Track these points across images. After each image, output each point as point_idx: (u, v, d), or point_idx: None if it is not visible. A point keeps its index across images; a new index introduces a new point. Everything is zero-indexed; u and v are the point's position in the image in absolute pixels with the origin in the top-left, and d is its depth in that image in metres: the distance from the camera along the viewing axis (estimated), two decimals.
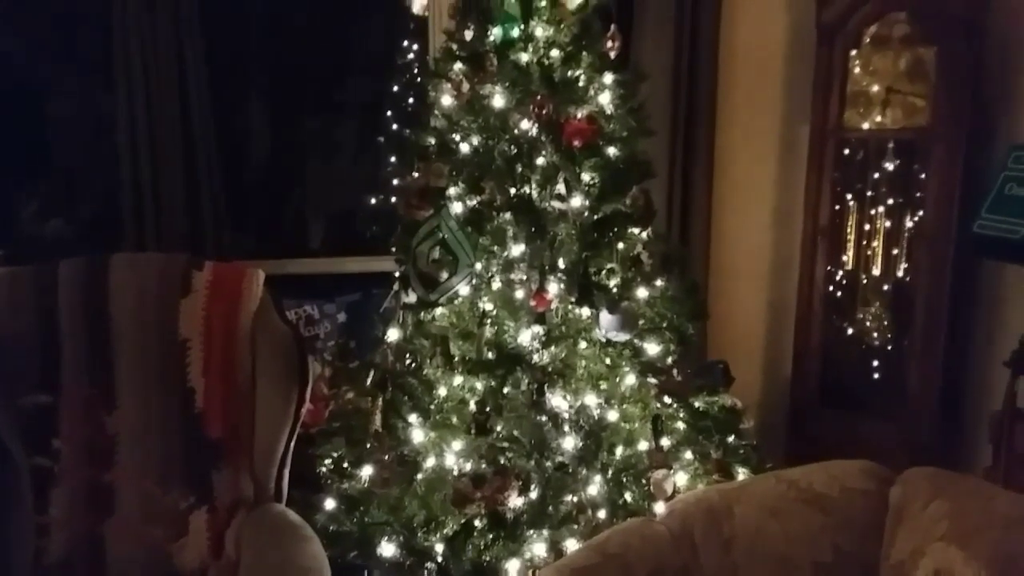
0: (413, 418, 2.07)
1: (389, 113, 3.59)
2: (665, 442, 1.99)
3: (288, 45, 3.41)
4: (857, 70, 2.67)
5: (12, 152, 2.96)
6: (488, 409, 1.98)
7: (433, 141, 2.20)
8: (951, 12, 2.45)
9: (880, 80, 2.64)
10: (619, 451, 2.03)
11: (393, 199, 3.44)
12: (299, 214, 3.63)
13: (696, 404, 2.09)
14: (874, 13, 2.59)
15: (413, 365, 2.13)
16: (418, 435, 2.07)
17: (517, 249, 2.09)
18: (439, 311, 2.14)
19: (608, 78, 2.15)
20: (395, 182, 3.44)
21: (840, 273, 2.85)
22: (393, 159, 3.48)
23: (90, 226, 3.22)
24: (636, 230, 2.12)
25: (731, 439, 2.08)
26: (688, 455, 2.05)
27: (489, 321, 2.08)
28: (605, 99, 2.15)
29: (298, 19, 3.38)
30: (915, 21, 2.55)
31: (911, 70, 2.56)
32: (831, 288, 2.85)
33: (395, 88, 3.57)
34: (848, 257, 2.84)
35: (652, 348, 2.09)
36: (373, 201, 3.54)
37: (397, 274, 2.24)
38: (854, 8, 2.59)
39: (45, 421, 2.01)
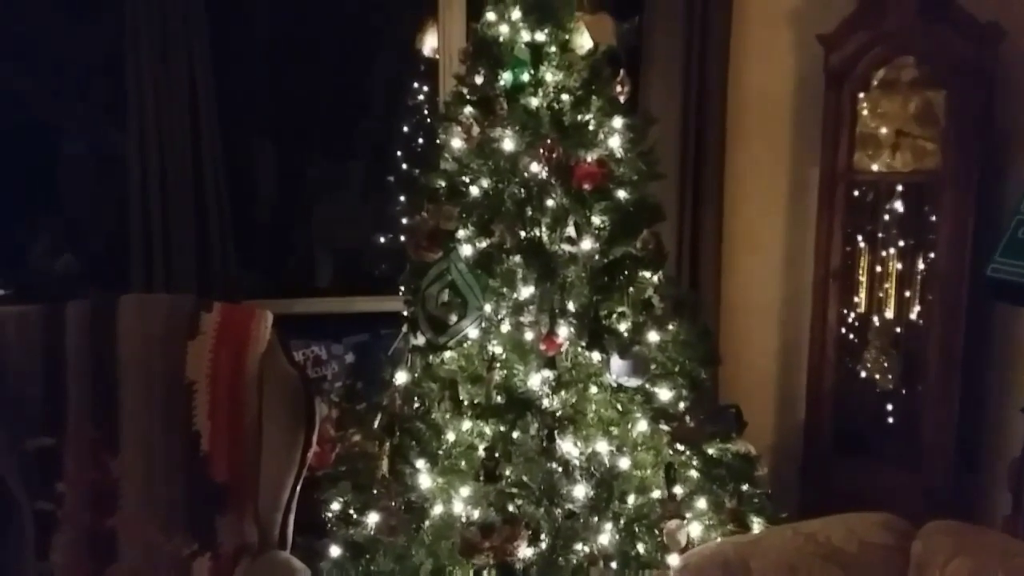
0: (421, 463, 2.04)
1: (399, 153, 3.61)
2: (678, 491, 1.96)
3: (300, 84, 3.45)
4: (866, 112, 2.67)
5: (24, 189, 2.98)
6: (497, 455, 1.95)
7: (443, 184, 2.21)
8: (959, 56, 2.46)
9: (889, 123, 2.64)
10: (631, 500, 1.99)
11: (402, 238, 3.46)
12: (308, 253, 3.64)
13: (709, 451, 2.06)
14: (882, 57, 2.60)
15: (421, 409, 2.10)
16: (426, 481, 2.04)
17: (527, 291, 2.08)
18: (448, 354, 2.12)
19: (618, 122, 2.16)
20: (404, 221, 3.45)
21: (852, 315, 2.82)
22: (403, 198, 3.49)
23: (99, 263, 3.22)
24: (647, 273, 2.10)
25: (745, 487, 2.04)
26: (702, 504, 2.01)
27: (498, 365, 2.06)
28: (615, 143, 2.15)
29: (310, 59, 3.42)
30: (923, 65, 2.56)
31: (920, 114, 2.57)
32: (844, 331, 2.82)
33: (405, 128, 3.60)
34: (860, 299, 2.81)
35: (664, 393, 2.06)
36: (382, 240, 3.54)
37: (406, 313, 2.23)
38: (862, 53, 2.60)
39: (49, 464, 1.99)
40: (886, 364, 2.80)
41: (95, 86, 3.14)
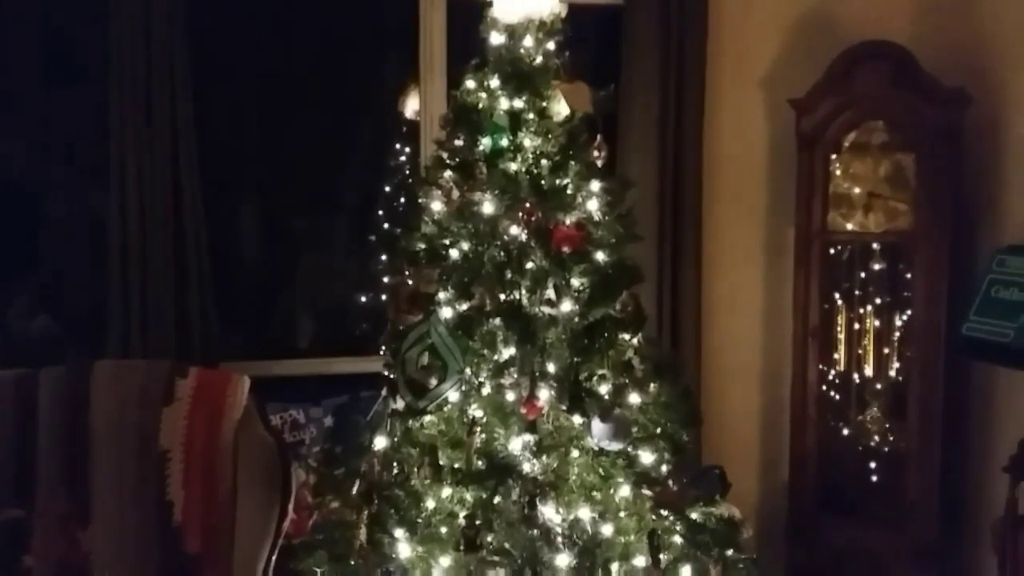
0: (400, 532, 2.00)
1: (381, 212, 3.64)
2: (663, 558, 1.92)
3: (283, 144, 3.48)
4: (839, 173, 2.73)
5: (1, 250, 2.97)
6: (478, 522, 1.91)
7: (423, 247, 2.21)
8: (928, 121, 2.53)
9: (861, 184, 2.71)
10: (615, 568, 1.96)
11: (384, 297, 3.46)
12: (289, 312, 3.62)
13: (693, 515, 2.03)
14: (852, 122, 2.67)
15: (400, 476, 2.07)
16: (405, 550, 1.99)
17: (507, 353, 2.07)
18: (427, 418, 2.10)
19: (595, 186, 2.18)
20: (386, 280, 3.46)
21: (833, 373, 2.84)
22: (384, 258, 3.50)
23: (77, 323, 3.19)
24: (626, 335, 2.10)
25: (730, 552, 2.01)
26: (687, 572, 1.98)
27: (479, 429, 2.03)
28: (593, 206, 2.17)
29: (293, 118, 3.46)
30: (893, 129, 2.63)
31: (891, 176, 2.63)
32: (825, 388, 2.83)
33: (387, 188, 3.63)
34: (840, 356, 2.83)
35: (646, 457, 2.04)
36: (364, 300, 3.54)
37: (386, 372, 2.21)
38: (832, 117, 2.67)
39: (17, 537, 1.94)
40: (868, 422, 2.80)
41: (77, 147, 3.16)
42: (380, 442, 2.13)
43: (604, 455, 2.01)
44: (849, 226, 2.73)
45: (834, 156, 2.73)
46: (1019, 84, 2.57)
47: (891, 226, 2.66)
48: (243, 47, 3.34)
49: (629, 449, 2.02)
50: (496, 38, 2.18)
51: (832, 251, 2.80)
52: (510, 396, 2.06)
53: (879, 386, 2.77)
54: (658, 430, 2.07)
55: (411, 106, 3.29)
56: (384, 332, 2.28)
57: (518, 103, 2.15)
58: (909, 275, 2.66)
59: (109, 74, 2.51)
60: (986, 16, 2.68)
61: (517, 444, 2.00)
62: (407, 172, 3.50)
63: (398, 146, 3.58)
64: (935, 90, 2.53)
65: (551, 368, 2.05)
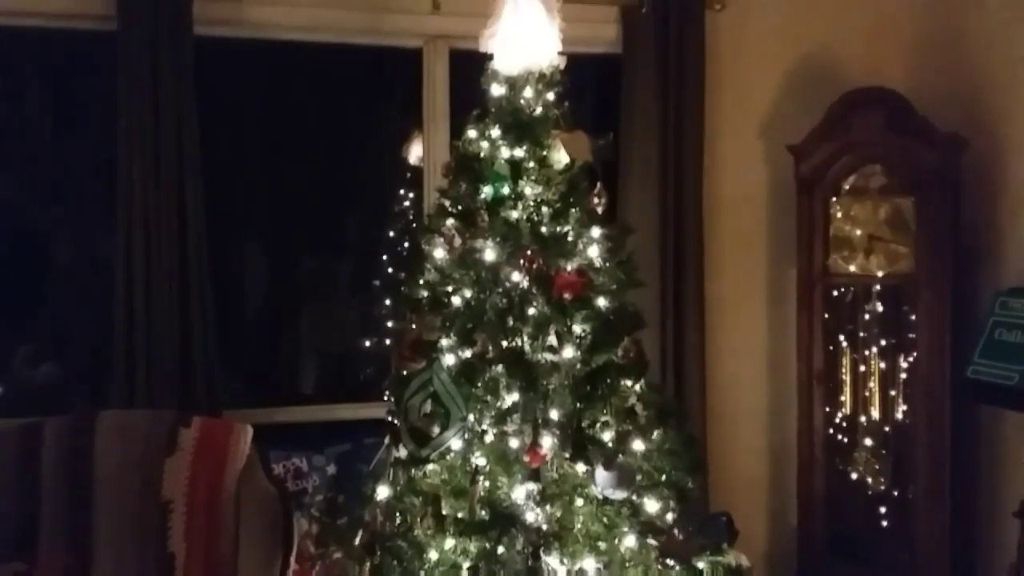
0: None
1: (385, 257, 3.66)
2: None
3: (288, 189, 3.52)
4: (839, 215, 2.75)
5: (5, 296, 2.98)
6: (481, 574, 1.89)
7: (426, 294, 2.23)
8: (925, 165, 2.56)
9: (861, 226, 2.72)
10: None
11: (388, 341, 3.46)
12: (294, 357, 3.63)
13: (700, 565, 2.00)
14: (850, 166, 2.70)
15: (403, 526, 2.05)
16: None
17: (510, 400, 2.07)
18: (430, 467, 2.09)
19: (596, 232, 2.20)
20: (390, 325, 3.46)
21: (839, 416, 2.82)
22: (388, 302, 3.52)
23: (82, 370, 3.19)
24: (629, 382, 2.10)
25: None
26: None
27: (482, 477, 2.02)
28: (594, 252, 2.19)
29: (299, 164, 3.51)
30: (890, 173, 2.66)
31: (891, 219, 2.64)
32: (831, 431, 2.81)
33: (391, 233, 3.67)
34: (846, 399, 2.81)
35: (651, 505, 2.02)
36: (368, 344, 3.54)
37: (389, 418, 2.21)
38: (831, 162, 2.70)
39: None
40: (876, 465, 2.78)
41: (83, 193, 3.19)
42: (383, 491, 2.11)
43: (608, 504, 1.99)
44: (851, 268, 2.74)
45: (834, 199, 2.75)
46: (1015, 128, 2.60)
47: (893, 269, 2.66)
48: (250, 93, 3.40)
49: (634, 497, 2.01)
50: (497, 89, 2.22)
51: (835, 293, 2.80)
52: (513, 443, 2.05)
53: (886, 429, 2.75)
54: (663, 477, 2.06)
55: (415, 152, 3.32)
56: (388, 377, 2.28)
57: (519, 152, 2.18)
58: (913, 317, 2.65)
59: (117, 120, 2.55)
60: (980, 61, 2.73)
61: (521, 493, 1.98)
62: (411, 217, 3.52)
63: (402, 192, 3.61)
64: (931, 135, 2.56)
65: (554, 415, 2.05)
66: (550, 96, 2.20)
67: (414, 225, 3.42)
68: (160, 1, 2.51)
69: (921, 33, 2.98)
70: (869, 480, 2.76)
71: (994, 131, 2.65)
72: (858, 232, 2.73)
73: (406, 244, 3.55)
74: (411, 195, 3.54)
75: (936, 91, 2.82)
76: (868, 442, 2.76)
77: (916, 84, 2.85)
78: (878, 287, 2.73)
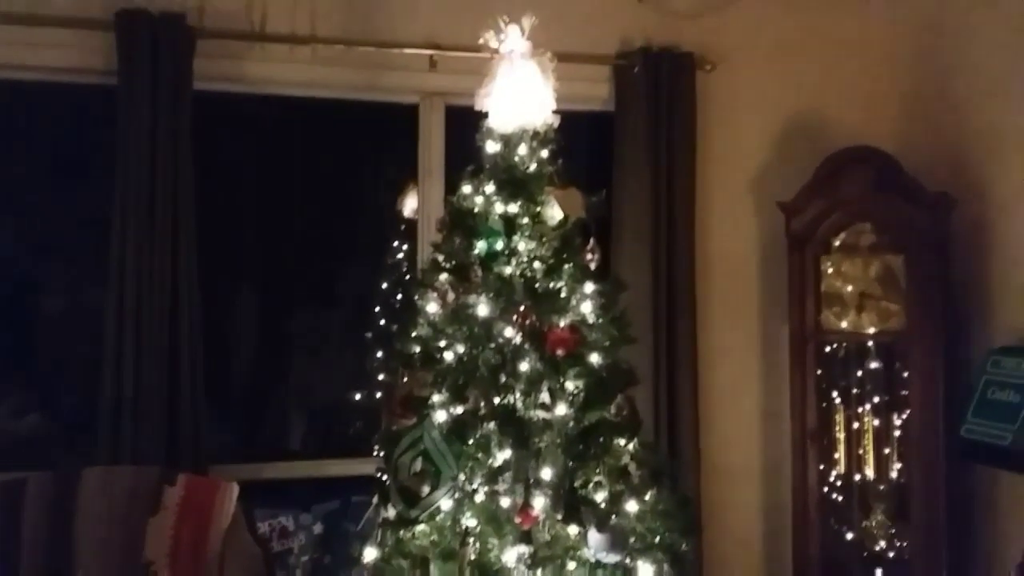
0: None
1: (377, 309, 3.65)
2: None
3: (281, 241, 3.52)
4: (830, 271, 2.76)
5: None
6: None
7: (418, 349, 2.21)
8: (914, 224, 2.58)
9: (853, 283, 2.73)
10: None
11: (378, 395, 3.42)
12: (282, 411, 3.58)
13: None
14: (840, 223, 2.72)
15: None
16: None
17: (501, 457, 2.04)
18: (419, 527, 2.04)
19: (589, 288, 2.20)
20: (381, 377, 3.43)
21: (834, 474, 2.79)
22: (379, 354, 3.49)
23: (68, 420, 3.14)
24: (622, 440, 2.08)
25: None
26: None
27: (472, 539, 1.98)
28: (587, 308, 2.18)
29: (293, 216, 3.51)
30: (880, 232, 2.68)
31: (882, 277, 2.66)
32: (826, 490, 2.78)
33: (384, 285, 3.66)
34: (840, 456, 2.79)
35: (645, 569, 1.98)
36: (358, 397, 3.50)
37: (378, 475, 2.17)
38: (821, 219, 2.73)
39: None
40: (872, 525, 2.74)
41: (75, 244, 3.18)
42: (370, 553, 2.07)
43: (602, 567, 1.95)
44: (843, 325, 2.74)
45: (824, 256, 2.76)
46: (1002, 188, 2.64)
47: (884, 326, 2.67)
48: (245, 146, 3.43)
49: (627, 560, 1.97)
50: (492, 146, 2.24)
51: (827, 349, 2.80)
52: (504, 503, 2.01)
53: (881, 487, 2.72)
54: (657, 539, 2.02)
55: (409, 205, 3.34)
56: (378, 432, 2.25)
57: (513, 208, 2.20)
58: (905, 374, 2.65)
59: (114, 172, 2.56)
60: (967, 123, 2.78)
61: (512, 556, 1.94)
62: (404, 270, 3.53)
63: (396, 244, 3.62)
64: (919, 194, 2.59)
65: (546, 474, 2.02)
66: (544, 153, 2.23)
67: (407, 278, 3.42)
68: (161, 57, 2.55)
69: (909, 94, 3.05)
70: (865, 540, 2.72)
71: (982, 191, 2.69)
72: (849, 288, 2.74)
73: (399, 296, 3.55)
74: (405, 247, 3.55)
75: (924, 151, 2.87)
76: (864, 501, 2.73)
77: (904, 144, 2.91)
78: (871, 344, 2.73)
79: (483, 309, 2.14)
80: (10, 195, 3.01)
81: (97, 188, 2.72)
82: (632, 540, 1.97)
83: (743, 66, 3.04)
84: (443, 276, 2.22)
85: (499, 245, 2.19)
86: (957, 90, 2.83)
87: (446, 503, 2.02)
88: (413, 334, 2.25)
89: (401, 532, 2.04)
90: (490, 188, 2.22)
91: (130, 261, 2.56)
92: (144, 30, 2.55)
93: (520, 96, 2.20)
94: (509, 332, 2.12)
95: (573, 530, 1.98)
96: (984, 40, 2.72)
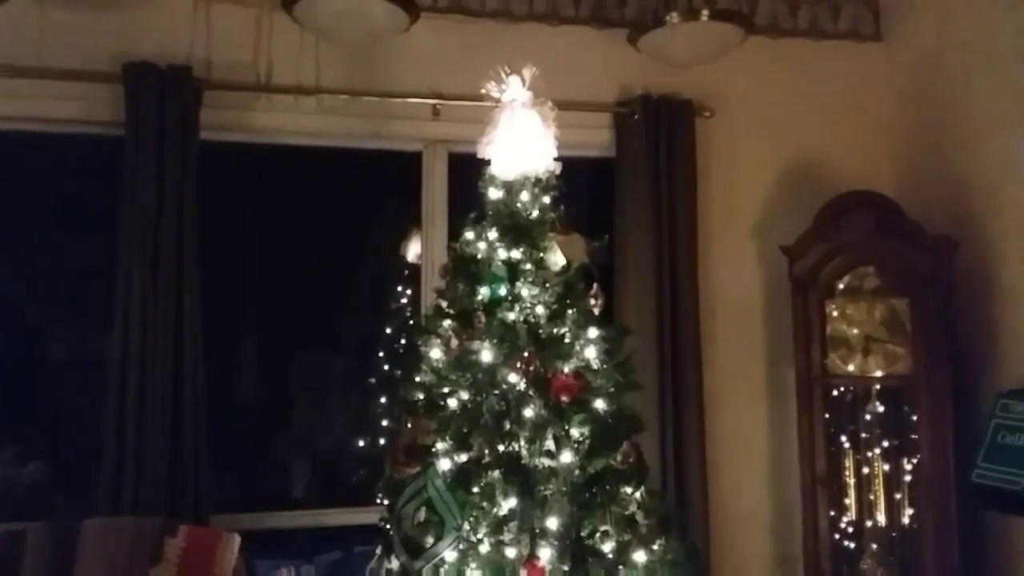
0: None
1: (381, 354, 3.64)
2: None
3: (286, 289, 3.52)
4: (835, 314, 2.75)
5: None
6: None
7: (421, 396, 2.20)
8: (917, 267, 2.58)
9: (858, 327, 2.71)
10: None
11: (382, 440, 3.39)
12: (285, 459, 3.54)
13: None
14: (843, 267, 2.72)
15: None
16: None
17: (507, 506, 2.01)
18: None
19: (593, 333, 2.20)
20: (384, 423, 3.41)
21: (844, 520, 2.74)
22: (383, 399, 3.47)
23: (69, 468, 3.11)
24: (629, 488, 2.05)
25: None
26: None
27: None
28: (591, 353, 2.17)
29: (297, 263, 3.52)
30: (883, 275, 2.68)
31: (887, 320, 2.65)
32: (837, 537, 2.73)
33: (388, 330, 3.66)
34: (851, 502, 2.74)
35: None
36: (361, 444, 3.47)
37: (382, 524, 2.13)
38: (824, 263, 2.72)
39: None
40: (885, 573, 2.68)
41: (80, 291, 3.19)
42: None
43: None
44: (849, 368, 2.72)
45: (828, 300, 2.76)
46: (1004, 231, 2.64)
47: (891, 370, 2.64)
48: (250, 194, 3.46)
49: None
50: (494, 192, 2.26)
51: (835, 393, 2.78)
52: (510, 554, 1.98)
53: (893, 534, 2.67)
54: None
55: (413, 251, 3.35)
56: (381, 481, 2.23)
57: (516, 254, 2.21)
58: (914, 417, 2.62)
59: (118, 221, 2.57)
60: (967, 164, 2.80)
61: None
62: (408, 315, 3.52)
63: (399, 289, 3.63)
64: (920, 237, 2.59)
65: (552, 524, 1.99)
66: (546, 199, 2.25)
67: (411, 323, 3.42)
68: (168, 109, 2.59)
69: (909, 138, 3.07)
70: None
71: (984, 233, 2.69)
72: (855, 332, 2.72)
73: (402, 342, 3.54)
74: (408, 293, 3.55)
75: (925, 194, 2.88)
76: (875, 547, 2.68)
77: (905, 187, 2.92)
78: (878, 387, 2.70)
79: (487, 355, 2.13)
80: (16, 243, 3.03)
81: (102, 237, 2.74)
82: None
83: (742, 112, 3.08)
84: (447, 322, 2.22)
85: (502, 291, 2.19)
86: (955, 130, 2.85)
87: (450, 554, 1.98)
88: (416, 380, 2.24)
89: None
90: (493, 234, 2.24)
91: (134, 310, 2.56)
92: (151, 82, 2.59)
93: (522, 144, 2.23)
94: (513, 378, 2.11)
95: None
96: (979, 79, 2.75)
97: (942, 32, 2.92)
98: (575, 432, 2.08)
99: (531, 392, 2.10)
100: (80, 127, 2.73)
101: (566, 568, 1.94)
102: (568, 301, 2.19)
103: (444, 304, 2.26)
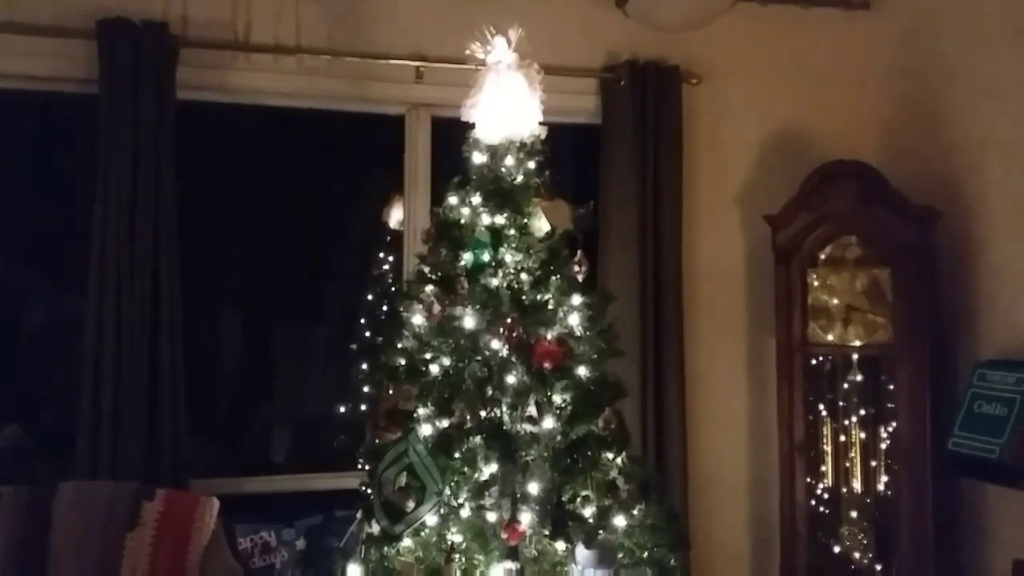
0: None
1: (363, 321, 3.62)
2: None
3: (265, 253, 3.48)
4: (816, 284, 2.76)
5: None
6: None
7: (403, 362, 2.19)
8: (900, 237, 2.59)
9: (839, 296, 2.73)
10: None
11: (363, 407, 3.39)
12: (265, 424, 3.53)
13: None
14: (826, 236, 2.72)
15: None
16: None
17: (488, 471, 2.02)
18: (404, 543, 2.01)
19: (576, 300, 2.19)
20: (366, 389, 3.39)
21: (821, 487, 2.78)
22: (364, 366, 3.45)
23: (47, 432, 3.08)
24: (610, 454, 2.06)
25: None
26: None
27: (458, 555, 1.95)
28: (574, 320, 2.17)
29: (276, 228, 3.48)
30: (866, 245, 2.69)
31: (868, 290, 2.66)
32: (814, 503, 2.77)
33: (369, 297, 3.63)
34: (827, 469, 2.78)
35: None
36: (342, 410, 3.46)
37: (363, 489, 2.13)
38: (807, 232, 2.73)
39: None
40: (860, 538, 2.73)
41: (55, 254, 3.14)
42: (354, 570, 2.03)
43: None
44: (829, 338, 2.74)
45: (811, 269, 2.76)
46: (987, 202, 2.65)
47: (871, 339, 2.67)
48: (228, 157, 3.40)
49: None
50: (479, 157, 2.23)
51: (814, 362, 2.80)
52: (491, 518, 1.99)
53: (869, 501, 2.71)
54: (645, 554, 2.00)
55: (395, 216, 3.32)
56: (362, 446, 2.22)
57: (499, 220, 2.19)
58: (892, 387, 2.65)
59: (94, 183, 2.52)
60: (953, 137, 2.80)
61: (498, 572, 1.91)
62: (390, 281, 3.50)
63: (381, 255, 3.60)
64: (904, 207, 2.60)
65: (533, 489, 2.00)
66: (531, 165, 2.22)
67: (393, 289, 3.39)
68: (143, 66, 2.52)
69: (893, 107, 3.06)
70: (854, 554, 2.71)
71: (968, 205, 2.70)
72: (835, 302, 2.74)
73: (384, 308, 3.52)
74: (390, 259, 3.52)
75: (910, 165, 2.88)
76: (851, 514, 2.72)
77: (889, 157, 2.92)
78: (856, 356, 2.73)
79: (469, 321, 2.12)
80: None
81: (78, 198, 2.68)
82: (620, 555, 1.96)
83: (729, 80, 3.05)
84: (429, 288, 2.20)
85: (485, 257, 2.17)
86: (941, 102, 2.85)
87: (431, 518, 1.99)
88: (398, 346, 2.23)
89: (385, 548, 2.00)
90: (476, 199, 2.21)
91: (110, 272, 2.51)
92: (126, 39, 2.51)
93: (507, 107, 2.20)
94: (496, 345, 2.10)
95: (560, 546, 1.96)
96: (967, 51, 2.74)
97: (930, 1, 2.91)
98: (557, 398, 2.09)
99: (514, 358, 2.10)
100: (53, 85, 2.65)
101: (547, 532, 1.95)
102: (552, 267, 2.18)
103: (427, 270, 2.24)
